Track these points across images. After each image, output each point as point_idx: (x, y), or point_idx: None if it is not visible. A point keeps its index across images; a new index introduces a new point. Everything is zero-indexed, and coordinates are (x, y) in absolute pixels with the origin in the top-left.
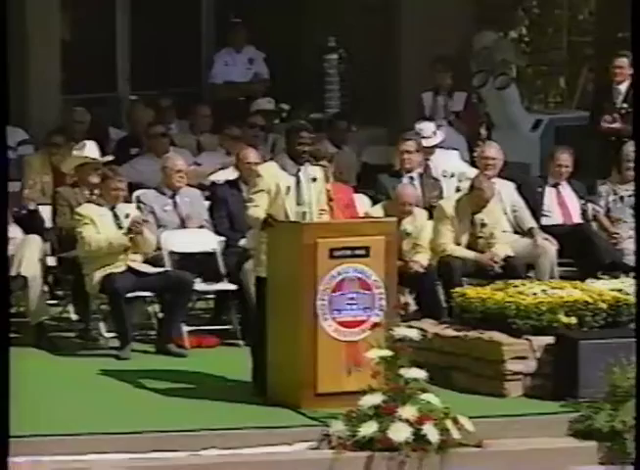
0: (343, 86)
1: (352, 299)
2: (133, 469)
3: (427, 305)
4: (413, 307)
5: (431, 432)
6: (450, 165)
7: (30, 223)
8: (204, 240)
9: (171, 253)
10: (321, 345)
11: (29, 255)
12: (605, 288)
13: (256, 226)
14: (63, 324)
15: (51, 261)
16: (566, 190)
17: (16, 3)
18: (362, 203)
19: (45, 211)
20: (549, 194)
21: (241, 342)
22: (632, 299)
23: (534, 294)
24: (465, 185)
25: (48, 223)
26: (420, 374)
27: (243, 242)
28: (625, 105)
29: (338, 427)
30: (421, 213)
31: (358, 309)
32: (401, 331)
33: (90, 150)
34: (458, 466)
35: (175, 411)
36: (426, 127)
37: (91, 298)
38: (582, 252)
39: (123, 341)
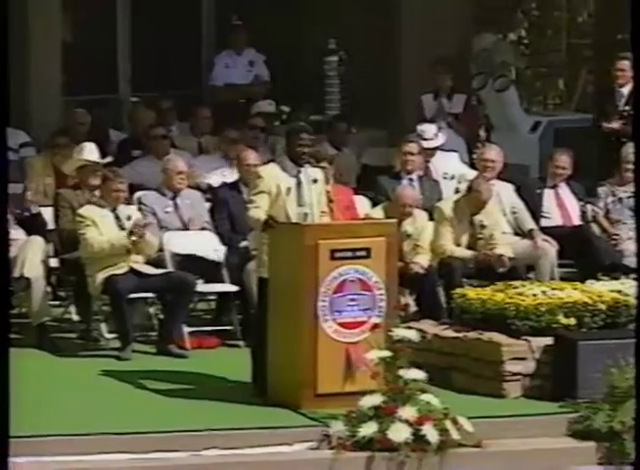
0: (343, 88)
1: (353, 300)
2: (134, 469)
3: (427, 306)
4: (413, 308)
5: (430, 432)
6: (450, 167)
7: (33, 225)
8: (205, 241)
9: (173, 254)
10: (321, 346)
11: (32, 256)
12: (604, 289)
13: (257, 227)
14: (64, 325)
15: (53, 263)
16: (565, 192)
17: (17, 4)
18: (362, 204)
19: (47, 213)
20: (548, 195)
21: (241, 343)
22: (631, 300)
23: (534, 295)
24: (464, 187)
25: (50, 225)
26: (419, 375)
27: (244, 243)
28: (628, 107)
29: (337, 427)
30: (421, 215)
31: (359, 310)
32: (401, 332)
33: (89, 152)
34: (457, 466)
35: (176, 412)
36: (427, 129)
37: (93, 299)
38: (582, 253)
39: (124, 342)
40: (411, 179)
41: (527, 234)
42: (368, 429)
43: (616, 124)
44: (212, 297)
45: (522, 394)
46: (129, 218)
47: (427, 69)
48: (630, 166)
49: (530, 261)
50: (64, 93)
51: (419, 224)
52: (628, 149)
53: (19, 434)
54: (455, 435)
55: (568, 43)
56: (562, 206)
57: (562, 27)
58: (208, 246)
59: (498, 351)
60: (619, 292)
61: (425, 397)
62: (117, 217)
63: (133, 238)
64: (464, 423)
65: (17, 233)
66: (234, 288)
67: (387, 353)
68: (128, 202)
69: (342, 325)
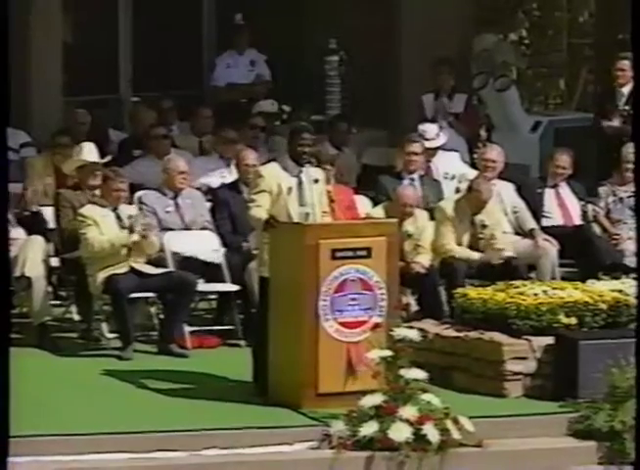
0: (344, 88)
1: (354, 299)
2: (134, 469)
3: (428, 306)
4: (414, 308)
5: (431, 432)
6: (451, 167)
7: (33, 224)
8: (206, 241)
9: (174, 254)
10: (322, 345)
11: (33, 255)
12: (605, 289)
13: (258, 227)
14: (65, 325)
15: (54, 262)
16: (565, 191)
17: (18, 4)
18: (363, 204)
19: (48, 213)
20: (549, 195)
21: (242, 342)
22: (632, 299)
23: (535, 294)
24: (464, 186)
25: (51, 224)
26: (420, 374)
27: (245, 243)
28: (628, 107)
29: (338, 427)
30: (422, 215)
31: (360, 310)
32: (402, 331)
33: (88, 152)
34: (458, 466)
35: (177, 411)
36: (429, 129)
37: (94, 298)
38: (583, 253)
39: (125, 341)
40: (412, 179)
41: (528, 234)
42: (369, 428)
43: (616, 124)
44: (213, 296)
45: (523, 393)
46: (130, 218)
47: (427, 68)
48: (630, 166)
49: (531, 261)
50: (64, 93)
51: (420, 224)
52: (628, 149)
53: (19, 433)
54: (456, 434)
55: (568, 43)
56: (563, 205)
57: (563, 27)
58: (209, 246)
59: (499, 350)
60: (620, 291)
61: (426, 396)
62: (118, 217)
63: (136, 238)
64: (465, 423)
65: (17, 232)
66: (235, 287)
67: (388, 353)
68: (129, 201)
69: (343, 325)
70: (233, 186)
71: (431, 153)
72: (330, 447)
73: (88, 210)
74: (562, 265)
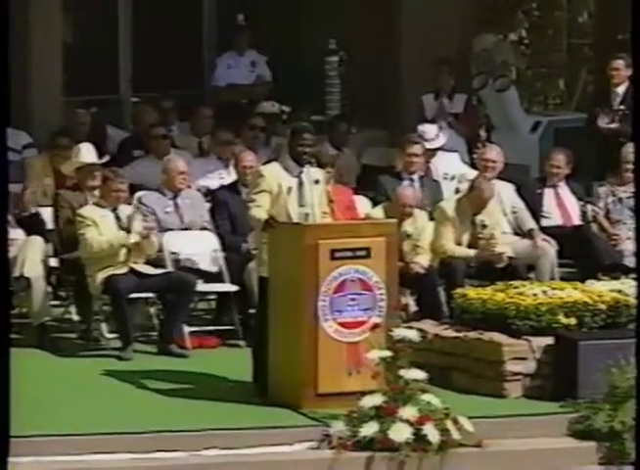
0: (344, 88)
1: (353, 300)
2: (135, 469)
3: (427, 307)
4: (413, 308)
5: (431, 432)
6: (451, 168)
7: (32, 225)
8: (205, 242)
9: (173, 254)
10: (322, 345)
11: (32, 256)
12: (604, 289)
13: (258, 227)
14: (65, 325)
15: (53, 263)
16: (565, 191)
17: (18, 4)
18: (362, 204)
19: (47, 213)
20: (548, 195)
21: (242, 342)
22: (631, 300)
23: (534, 295)
24: (464, 187)
25: (50, 225)
26: (420, 375)
27: (245, 244)
28: (623, 107)
29: (338, 427)
30: (421, 215)
31: (359, 310)
32: (401, 332)
33: (86, 153)
34: (458, 466)
35: (176, 411)
36: (428, 130)
37: (93, 299)
38: (582, 253)
39: (125, 341)
40: (412, 179)
41: (528, 234)
42: (369, 429)
43: (613, 124)
44: (213, 296)
45: (522, 394)
46: (129, 218)
47: (427, 69)
48: (630, 166)
49: (531, 261)
50: (65, 93)
51: (419, 224)
52: (628, 149)
53: (19, 434)
54: (456, 435)
55: (568, 43)
56: (562, 205)
57: (562, 28)
58: (208, 246)
59: (499, 350)
60: (620, 292)
61: (425, 397)
62: (118, 218)
63: (136, 239)
64: (465, 423)
65: (16, 233)
66: (234, 288)
67: (387, 353)
68: (129, 202)
69: (342, 325)
70: (232, 187)
71: (430, 153)
72: (330, 448)
73: (87, 210)
74: (561, 266)
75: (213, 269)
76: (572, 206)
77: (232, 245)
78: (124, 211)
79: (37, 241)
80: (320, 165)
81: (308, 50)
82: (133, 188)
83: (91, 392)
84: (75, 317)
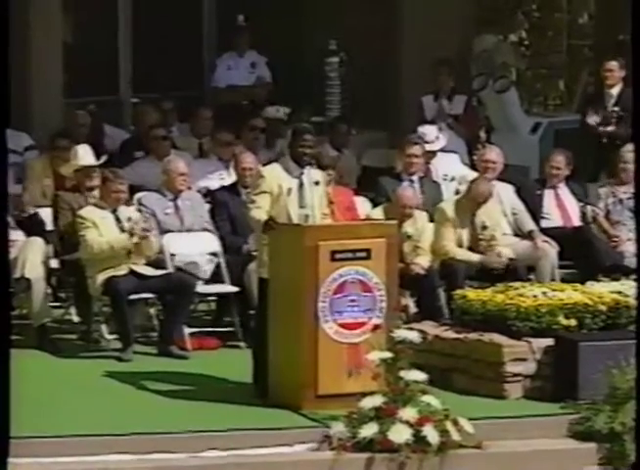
0: (344, 89)
1: (353, 301)
2: None
3: (426, 308)
4: (413, 310)
5: (431, 433)
6: (451, 169)
7: (32, 226)
8: (205, 243)
9: (173, 255)
10: (322, 347)
11: (32, 257)
12: (604, 290)
13: (258, 228)
14: (65, 326)
15: (54, 264)
16: (564, 192)
17: (18, 5)
18: (362, 206)
19: (47, 214)
20: (548, 197)
21: (242, 343)
22: (631, 301)
23: (534, 296)
24: (464, 188)
25: (50, 226)
26: (420, 376)
27: (245, 245)
28: (617, 108)
29: (338, 428)
30: (421, 216)
31: (359, 311)
32: (402, 333)
33: (84, 155)
34: (458, 467)
35: (176, 413)
36: (429, 132)
37: (93, 300)
38: (582, 254)
39: (125, 343)
40: (412, 180)
41: (528, 235)
42: (369, 430)
43: (609, 127)
44: (213, 298)
45: (522, 395)
46: (129, 220)
47: (427, 70)
48: (629, 166)
49: (531, 263)
50: (65, 94)
51: (419, 225)
52: (626, 149)
53: (19, 435)
54: (456, 436)
55: (568, 44)
56: (562, 207)
57: (562, 29)
58: (208, 247)
59: (499, 352)
60: (620, 293)
61: (425, 398)
62: (118, 219)
63: (135, 240)
64: (464, 424)
65: (16, 234)
66: (234, 289)
67: (387, 355)
68: (129, 203)
69: (342, 326)
70: (232, 188)
71: (430, 155)
72: (330, 449)
73: (87, 211)
74: (561, 267)
75: (213, 270)
76: (573, 207)
77: (232, 246)
78: (124, 212)
79: (37, 242)
80: (321, 168)
81: (308, 51)
82: (133, 189)
83: (91, 393)
84: (75, 318)
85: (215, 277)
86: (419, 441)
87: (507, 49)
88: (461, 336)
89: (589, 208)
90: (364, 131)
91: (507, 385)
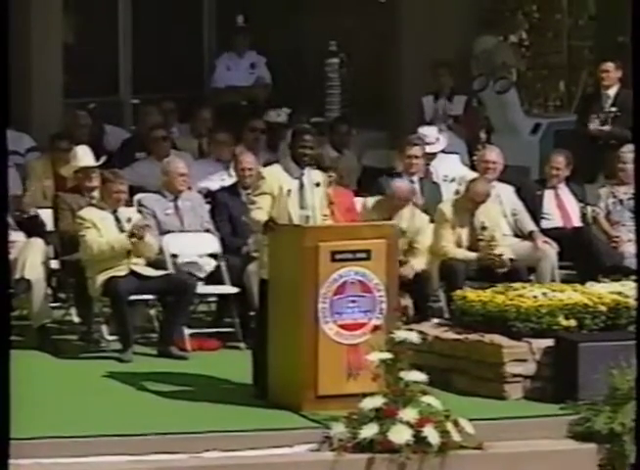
0: (344, 90)
1: (353, 302)
2: None
3: (420, 310)
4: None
5: (431, 434)
6: (451, 170)
7: (32, 227)
8: (206, 244)
9: (173, 256)
10: (322, 347)
11: (32, 258)
12: (604, 291)
13: (258, 229)
14: (65, 327)
15: (54, 265)
16: (565, 193)
17: (18, 5)
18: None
19: (47, 215)
20: (548, 197)
21: (242, 344)
22: (632, 302)
23: (535, 297)
24: (464, 189)
25: (50, 227)
26: (420, 377)
27: (245, 246)
28: (614, 109)
29: (338, 429)
30: (419, 214)
31: (359, 312)
32: (402, 334)
33: (83, 156)
34: (458, 468)
35: (177, 414)
36: (429, 133)
37: (93, 301)
38: (582, 255)
39: (125, 344)
40: (412, 181)
41: (528, 236)
42: (369, 431)
43: (605, 127)
44: (213, 299)
45: (522, 395)
46: (129, 220)
47: (427, 70)
48: (629, 166)
49: (531, 263)
50: (65, 95)
51: (417, 223)
52: (625, 149)
53: (19, 436)
54: (456, 437)
55: (568, 45)
56: (562, 207)
57: (563, 29)
58: (209, 248)
59: (499, 352)
60: (620, 294)
61: (426, 398)
62: (118, 219)
63: (133, 240)
64: (465, 425)
65: (16, 235)
66: (234, 290)
67: (387, 355)
68: (129, 204)
69: (342, 327)
70: (232, 189)
71: (430, 156)
72: (330, 450)
73: (87, 212)
74: (561, 267)
75: (214, 271)
76: (573, 207)
77: (232, 247)
78: (124, 213)
79: (38, 243)
80: (322, 169)
81: (308, 52)
82: (133, 190)
83: (91, 394)
84: (76, 319)
85: (215, 278)
86: (419, 441)
87: (507, 50)
88: (461, 337)
89: (589, 208)
90: (364, 132)
91: (507, 386)
